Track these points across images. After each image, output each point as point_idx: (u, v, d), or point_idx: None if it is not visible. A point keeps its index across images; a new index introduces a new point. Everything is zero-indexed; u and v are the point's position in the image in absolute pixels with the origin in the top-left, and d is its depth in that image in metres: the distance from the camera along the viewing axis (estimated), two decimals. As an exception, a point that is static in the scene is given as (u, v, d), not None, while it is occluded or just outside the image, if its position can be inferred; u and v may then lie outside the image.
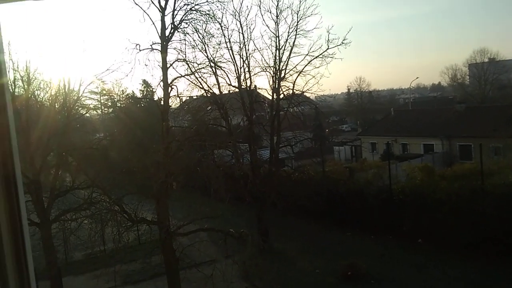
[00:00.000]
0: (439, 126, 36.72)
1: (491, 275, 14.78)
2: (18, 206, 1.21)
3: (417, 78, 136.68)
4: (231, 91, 20.36)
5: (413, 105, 62.42)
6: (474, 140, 31.34)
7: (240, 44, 19.16)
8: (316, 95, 21.40)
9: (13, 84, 15.36)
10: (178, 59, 15.61)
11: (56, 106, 16.64)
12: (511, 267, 14.94)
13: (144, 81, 24.16)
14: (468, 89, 66.34)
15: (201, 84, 18.33)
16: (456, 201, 16.86)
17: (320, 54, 19.14)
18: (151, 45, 14.23)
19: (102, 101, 20.97)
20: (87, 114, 20.71)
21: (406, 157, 32.54)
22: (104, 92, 19.64)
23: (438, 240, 17.33)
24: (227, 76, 19.26)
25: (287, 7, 19.18)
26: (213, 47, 18.44)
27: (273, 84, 19.71)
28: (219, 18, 18.29)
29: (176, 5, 14.46)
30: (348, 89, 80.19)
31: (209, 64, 18.20)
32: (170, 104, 15.67)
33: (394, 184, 19.72)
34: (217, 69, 18.65)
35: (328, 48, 19.02)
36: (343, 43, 18.99)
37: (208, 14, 16.50)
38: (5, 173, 1.20)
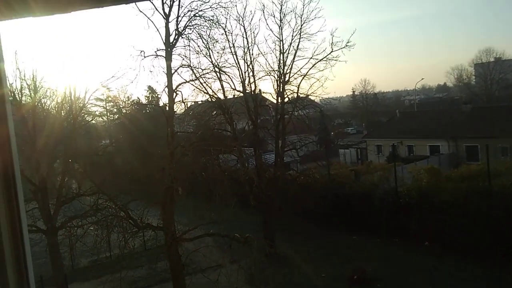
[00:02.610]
0: (445, 127, 36.53)
1: (498, 277, 14.64)
2: (19, 213, 1.23)
3: (423, 79, 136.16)
4: (235, 96, 20.41)
5: (419, 107, 62.14)
6: (481, 140, 31.13)
7: (244, 48, 19.24)
8: (321, 98, 21.39)
9: (20, 93, 15.52)
10: (183, 65, 15.72)
11: (62, 114, 16.78)
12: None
13: (149, 87, 24.28)
14: (474, 89, 66.01)
15: (205, 89, 18.41)
16: (463, 203, 16.74)
17: (324, 57, 19.16)
18: (155, 52, 14.34)
19: (107, 107, 21.13)
20: (93, 121, 20.86)
21: (412, 159, 32.40)
22: (110, 98, 19.83)
23: (445, 242, 17.19)
24: (231, 80, 19.33)
25: (291, 11, 19.24)
26: (217, 52, 18.52)
27: (277, 88, 19.74)
28: (223, 23, 18.38)
29: (180, 11, 14.58)
30: (353, 92, 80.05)
31: (214, 69, 18.27)
32: (175, 110, 15.76)
33: (400, 187, 19.62)
34: (222, 74, 18.72)
35: (332, 51, 19.05)
36: (347, 45, 19.01)
37: (212, 19, 16.59)
38: (6, 183, 1.22)
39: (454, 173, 21.38)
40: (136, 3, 12.68)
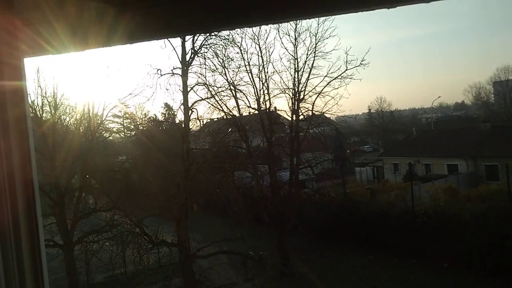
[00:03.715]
0: (463, 146, 35.93)
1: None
2: (37, 228, 1.29)
3: (439, 97, 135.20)
4: (250, 113, 20.55)
5: (436, 125, 61.38)
6: (501, 160, 30.48)
7: (259, 67, 19.43)
8: (336, 115, 21.37)
9: (41, 110, 15.95)
10: (199, 82, 16.00)
11: (81, 130, 17.15)
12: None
13: (166, 105, 24.62)
14: (493, 107, 64.92)
15: (221, 106, 18.61)
16: (483, 223, 16.34)
17: (339, 75, 19.20)
18: (172, 70, 14.66)
19: (124, 124, 21.47)
20: (110, 137, 21.20)
21: (430, 178, 31.87)
22: (127, 115, 20.14)
23: (464, 264, 16.75)
24: (246, 98, 19.51)
25: (306, 30, 19.45)
26: (233, 71, 18.75)
27: (292, 105, 19.83)
28: (238, 42, 18.67)
29: (196, 30, 14.88)
30: (369, 109, 79.62)
31: (229, 87, 18.49)
32: (190, 127, 15.97)
33: (417, 206, 19.28)
34: (237, 92, 18.92)
35: (346, 69, 19.08)
36: (361, 64, 19.03)
37: (227, 38, 16.91)
38: (26, 199, 1.28)
39: (473, 192, 20.92)
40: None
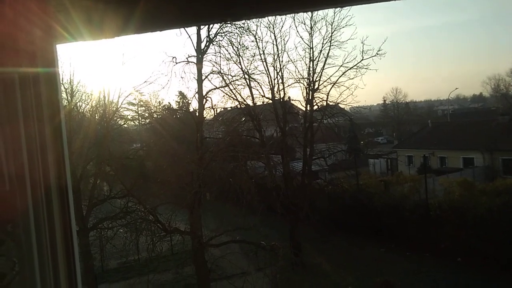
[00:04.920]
0: (480, 139, 35.32)
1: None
2: (69, 215, 1.29)
3: (457, 88, 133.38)
4: (264, 103, 20.49)
5: (452, 117, 60.42)
6: (518, 154, 29.97)
7: (274, 55, 19.32)
8: (350, 106, 21.20)
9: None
10: (213, 71, 15.98)
11: (96, 117, 17.29)
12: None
13: (180, 93, 24.68)
14: (513, 100, 63.62)
15: (235, 95, 18.57)
16: (498, 218, 16.12)
17: (355, 65, 19.00)
18: (187, 58, 14.66)
19: (139, 112, 21.60)
20: (125, 125, 21.36)
21: (444, 171, 31.52)
22: (142, 103, 20.26)
23: (478, 259, 16.58)
24: (260, 87, 19.44)
25: (322, 19, 19.28)
26: (247, 59, 18.71)
27: (306, 95, 19.71)
28: (253, 30, 18.59)
29: (212, 19, 14.79)
30: (384, 100, 78.74)
31: (243, 76, 18.43)
32: (204, 116, 16.00)
33: (431, 199, 19.10)
34: (251, 81, 18.86)
35: (362, 59, 18.87)
36: (377, 54, 18.79)
37: (242, 27, 16.80)
38: (60, 184, 1.28)
39: (489, 186, 20.61)
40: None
